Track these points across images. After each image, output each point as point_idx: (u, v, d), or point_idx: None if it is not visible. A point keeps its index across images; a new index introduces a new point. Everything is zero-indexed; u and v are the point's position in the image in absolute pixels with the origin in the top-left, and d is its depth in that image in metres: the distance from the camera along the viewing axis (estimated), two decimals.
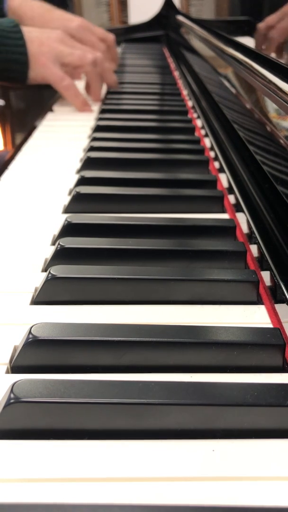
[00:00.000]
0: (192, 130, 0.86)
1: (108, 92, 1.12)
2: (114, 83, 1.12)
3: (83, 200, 0.58)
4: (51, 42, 0.99)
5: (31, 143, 0.84)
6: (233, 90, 0.72)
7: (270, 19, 0.60)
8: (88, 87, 1.09)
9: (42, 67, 0.97)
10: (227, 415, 0.31)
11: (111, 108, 1.00)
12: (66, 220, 0.52)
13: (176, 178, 0.65)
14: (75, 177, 0.66)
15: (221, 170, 0.69)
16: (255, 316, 0.42)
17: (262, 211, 0.53)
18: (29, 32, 0.97)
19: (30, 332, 0.36)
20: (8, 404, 0.30)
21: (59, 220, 0.54)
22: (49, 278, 0.42)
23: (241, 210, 0.56)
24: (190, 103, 1.03)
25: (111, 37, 1.23)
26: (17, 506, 0.26)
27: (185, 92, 1.13)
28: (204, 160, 0.70)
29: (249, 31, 0.73)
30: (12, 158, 0.77)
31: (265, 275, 0.46)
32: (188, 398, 0.31)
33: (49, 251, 0.49)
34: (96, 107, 1.04)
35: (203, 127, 0.87)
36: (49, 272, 0.43)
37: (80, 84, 1.10)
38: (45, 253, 0.49)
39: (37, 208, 0.60)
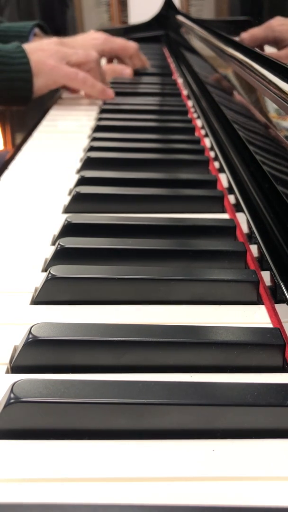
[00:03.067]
0: (192, 130, 0.86)
1: None
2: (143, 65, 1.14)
3: (83, 200, 0.58)
4: (51, 47, 1.00)
5: (31, 143, 0.84)
6: (233, 90, 0.72)
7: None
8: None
9: (51, 70, 0.97)
10: (227, 415, 0.31)
11: (111, 108, 1.00)
12: (66, 220, 0.52)
13: (176, 178, 0.65)
14: (75, 177, 0.66)
15: (221, 170, 0.69)
16: (255, 316, 0.42)
17: (262, 211, 0.53)
18: (30, 47, 0.98)
19: (30, 332, 0.36)
20: (8, 404, 0.30)
21: (59, 220, 0.54)
22: (49, 278, 0.42)
23: (241, 210, 0.56)
24: (190, 103, 1.03)
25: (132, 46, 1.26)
26: (17, 506, 0.26)
27: (185, 92, 1.13)
28: (204, 160, 0.70)
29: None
30: (12, 158, 0.77)
31: (265, 275, 0.46)
32: (188, 398, 0.31)
33: (49, 251, 0.49)
34: (95, 107, 1.04)
35: (203, 127, 0.87)
36: (49, 272, 0.43)
37: None
38: (45, 253, 0.49)
39: (37, 208, 0.60)
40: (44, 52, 0.98)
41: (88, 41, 1.10)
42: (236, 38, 0.78)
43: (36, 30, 1.18)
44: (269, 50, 0.65)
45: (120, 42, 1.24)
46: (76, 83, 1.01)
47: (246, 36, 0.62)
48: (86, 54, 1.03)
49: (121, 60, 1.28)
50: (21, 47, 0.97)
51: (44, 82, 0.98)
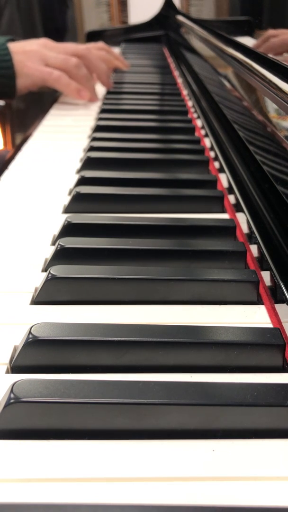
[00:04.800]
0: (192, 130, 0.86)
1: (108, 92, 1.12)
2: (107, 84, 1.15)
3: (83, 200, 0.58)
4: (33, 47, 1.03)
5: (31, 143, 0.84)
6: (233, 90, 0.72)
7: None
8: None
9: (29, 70, 1.01)
10: (227, 415, 0.31)
11: (111, 108, 1.00)
12: (66, 220, 0.52)
13: (176, 178, 0.65)
14: (75, 177, 0.66)
15: (221, 170, 0.69)
16: (255, 316, 0.42)
17: (262, 211, 0.53)
18: (13, 47, 1.02)
19: (30, 332, 0.36)
20: (8, 404, 0.30)
21: (59, 220, 0.54)
22: (49, 278, 0.42)
23: (241, 210, 0.56)
24: (190, 103, 1.03)
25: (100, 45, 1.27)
26: (17, 506, 0.26)
27: (185, 92, 1.13)
28: (204, 160, 0.70)
29: (249, 31, 0.73)
30: (12, 158, 0.77)
31: (265, 275, 0.46)
32: (188, 398, 0.31)
33: (49, 251, 0.49)
34: (95, 107, 1.04)
35: (203, 127, 0.87)
36: (49, 272, 0.43)
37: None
38: (45, 253, 0.49)
39: (37, 208, 0.60)
40: (25, 54, 1.02)
41: (70, 47, 1.11)
42: (236, 38, 0.78)
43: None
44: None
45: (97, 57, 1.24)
46: (51, 82, 1.03)
47: (261, 43, 0.62)
48: (65, 58, 1.05)
49: None
50: (5, 44, 1.00)
51: (23, 83, 1.02)
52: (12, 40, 1.15)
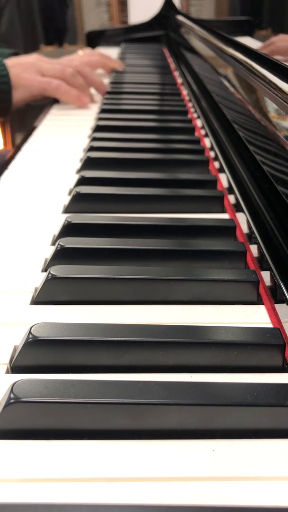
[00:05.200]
0: (192, 130, 0.86)
1: (108, 92, 1.12)
2: (99, 85, 1.15)
3: (83, 200, 0.58)
4: (29, 60, 1.04)
5: (31, 143, 0.84)
6: (233, 90, 0.72)
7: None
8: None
9: (26, 81, 1.02)
10: (227, 415, 0.31)
11: (111, 108, 1.00)
12: (66, 220, 0.52)
13: (176, 178, 0.65)
14: (75, 177, 0.66)
15: (221, 170, 0.69)
16: (255, 316, 0.42)
17: (262, 211, 0.53)
18: (9, 61, 1.03)
19: (30, 332, 0.36)
20: (8, 404, 0.30)
21: (59, 220, 0.54)
22: (49, 278, 0.42)
23: (241, 210, 0.56)
24: (190, 103, 1.03)
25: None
26: (17, 506, 0.26)
27: (185, 92, 1.13)
28: (204, 160, 0.70)
29: (249, 31, 0.73)
30: (12, 158, 0.77)
31: (265, 275, 0.46)
32: (188, 398, 0.31)
33: (49, 251, 0.49)
34: (95, 107, 1.04)
35: (203, 127, 0.87)
36: (49, 272, 0.43)
37: None
38: (45, 253, 0.49)
39: (37, 208, 0.60)
40: (21, 66, 1.03)
41: (64, 61, 1.12)
42: (236, 38, 0.78)
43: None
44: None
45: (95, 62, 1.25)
46: (50, 91, 1.04)
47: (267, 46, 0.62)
48: (61, 68, 1.05)
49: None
50: (1, 60, 1.02)
51: (21, 95, 1.03)
52: (16, 54, 1.16)
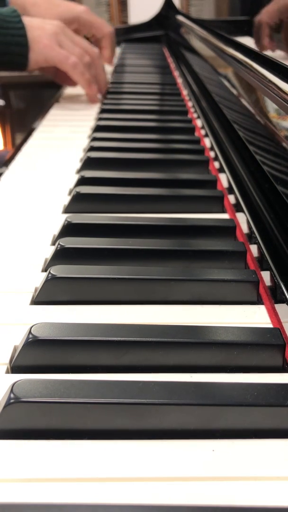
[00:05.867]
0: (192, 130, 0.86)
1: (108, 92, 1.12)
2: (104, 85, 1.13)
3: (83, 200, 0.58)
4: (53, 28, 1.00)
5: (31, 143, 0.84)
6: (233, 90, 0.72)
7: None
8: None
9: (45, 48, 0.99)
10: (227, 415, 0.31)
11: (111, 108, 1.00)
12: (66, 220, 0.52)
13: (176, 178, 0.65)
14: (75, 177, 0.66)
15: (221, 170, 0.69)
16: (255, 316, 0.42)
17: (262, 211, 0.53)
18: (29, 21, 0.99)
19: (30, 332, 0.36)
20: (8, 404, 0.30)
21: (59, 220, 0.54)
22: (49, 278, 0.42)
23: (241, 210, 0.56)
24: (190, 103, 1.03)
25: (107, 30, 1.27)
26: (17, 506, 0.26)
27: (185, 92, 1.13)
28: (204, 160, 0.70)
29: (249, 31, 0.73)
30: (12, 158, 0.77)
31: (265, 275, 0.46)
32: (188, 398, 0.31)
33: (49, 251, 0.49)
34: (95, 107, 1.04)
35: (203, 127, 0.87)
36: (49, 272, 0.43)
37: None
38: (45, 253, 0.49)
39: (37, 208, 0.60)
40: (43, 31, 0.99)
41: (85, 44, 1.10)
42: (236, 38, 0.78)
43: None
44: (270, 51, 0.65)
45: (100, 20, 1.26)
46: (66, 66, 1.01)
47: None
48: (80, 52, 1.03)
49: (94, 40, 1.28)
50: (17, 11, 0.98)
51: (35, 58, 1.00)
52: None
